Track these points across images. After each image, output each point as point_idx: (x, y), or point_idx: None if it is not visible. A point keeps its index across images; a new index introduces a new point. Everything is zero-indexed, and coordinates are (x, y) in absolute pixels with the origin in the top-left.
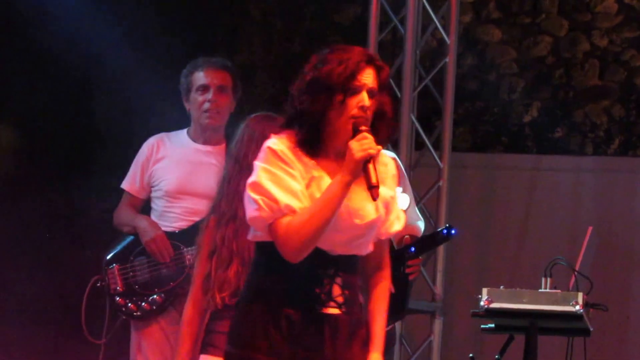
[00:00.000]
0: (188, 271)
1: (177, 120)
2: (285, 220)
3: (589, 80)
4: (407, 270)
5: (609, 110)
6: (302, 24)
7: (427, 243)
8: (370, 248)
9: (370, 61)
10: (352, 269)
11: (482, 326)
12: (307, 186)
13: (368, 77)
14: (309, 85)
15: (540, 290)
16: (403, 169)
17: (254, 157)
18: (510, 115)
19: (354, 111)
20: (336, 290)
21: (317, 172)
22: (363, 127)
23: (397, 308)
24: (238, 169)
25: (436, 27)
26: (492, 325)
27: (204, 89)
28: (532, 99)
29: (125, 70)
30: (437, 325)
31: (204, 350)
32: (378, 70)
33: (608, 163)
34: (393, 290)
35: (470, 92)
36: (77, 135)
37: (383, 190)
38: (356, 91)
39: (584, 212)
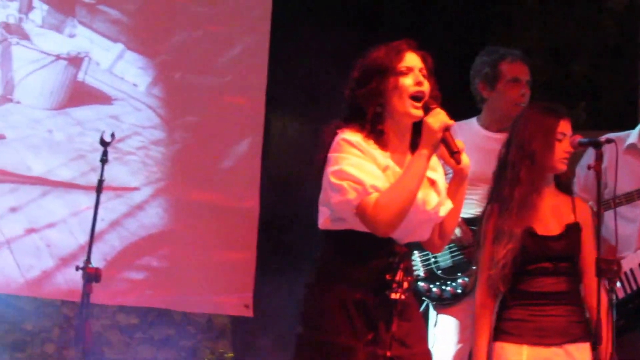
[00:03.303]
0: None
1: None
2: (373, 197)
3: None
4: None
5: None
6: (573, 9)
7: None
8: (429, 234)
9: (412, 47)
10: (410, 256)
11: None
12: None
13: (414, 60)
14: (360, 78)
15: None
16: None
17: (538, 145)
18: None
19: (412, 89)
20: (401, 277)
21: (391, 163)
22: (434, 105)
23: None
24: (521, 156)
25: None
26: None
27: (517, 82)
28: None
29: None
30: None
31: (498, 337)
32: (423, 57)
33: None
34: None
35: None
36: None
37: (435, 176)
38: (407, 72)
39: None
